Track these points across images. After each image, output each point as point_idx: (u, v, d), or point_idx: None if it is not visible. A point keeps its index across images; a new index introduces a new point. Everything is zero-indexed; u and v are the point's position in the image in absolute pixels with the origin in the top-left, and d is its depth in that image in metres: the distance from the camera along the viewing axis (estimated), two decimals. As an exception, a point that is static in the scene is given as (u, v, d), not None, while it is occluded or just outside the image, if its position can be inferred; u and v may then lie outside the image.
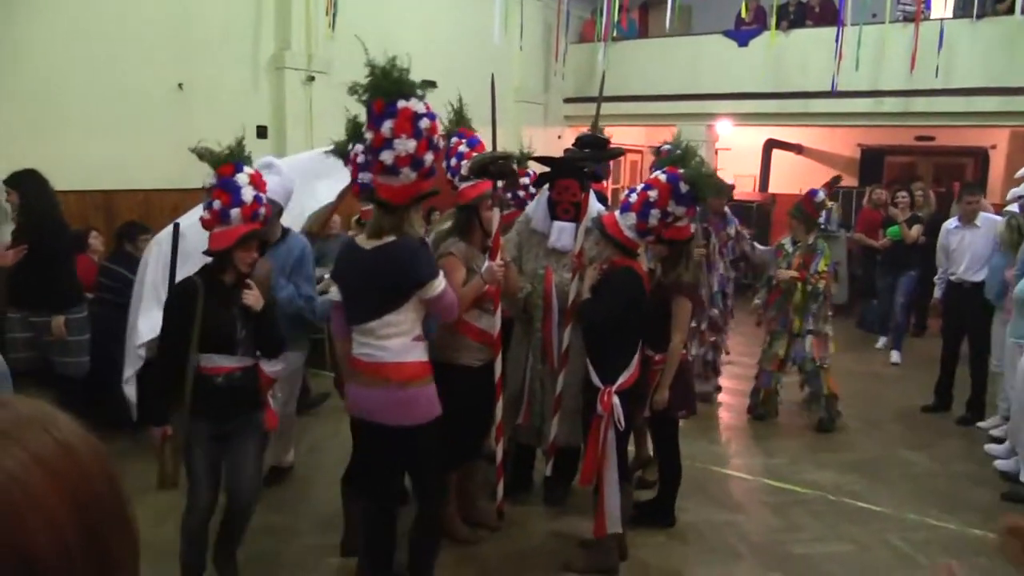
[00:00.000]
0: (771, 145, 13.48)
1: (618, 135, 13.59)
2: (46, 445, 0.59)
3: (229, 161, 3.24)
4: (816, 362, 5.94)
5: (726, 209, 6.52)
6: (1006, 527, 1.74)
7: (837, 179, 7.67)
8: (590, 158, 4.16)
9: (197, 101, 7.43)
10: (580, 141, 4.35)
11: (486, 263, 3.61)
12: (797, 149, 13.94)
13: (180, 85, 7.25)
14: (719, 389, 6.80)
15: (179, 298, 3.19)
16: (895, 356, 8.18)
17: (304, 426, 5.62)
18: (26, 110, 6.18)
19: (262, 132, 8.24)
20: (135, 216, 6.81)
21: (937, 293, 6.67)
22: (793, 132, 13.43)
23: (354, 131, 3.80)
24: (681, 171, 3.67)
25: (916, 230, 8.13)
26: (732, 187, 6.85)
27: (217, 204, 3.16)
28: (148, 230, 5.95)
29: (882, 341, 8.69)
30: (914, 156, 13.30)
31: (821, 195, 6.04)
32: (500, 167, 3.58)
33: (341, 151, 4.03)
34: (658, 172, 3.77)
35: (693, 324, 5.84)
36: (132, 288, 5.05)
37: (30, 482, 0.56)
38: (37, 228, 4.78)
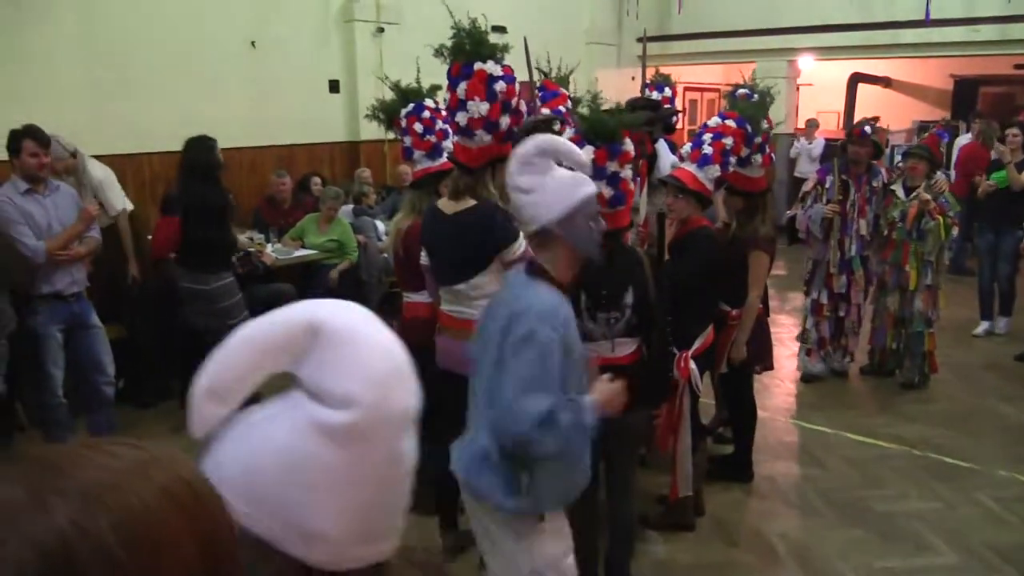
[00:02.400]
0: (856, 79, 12.88)
1: (696, 74, 13.29)
2: (176, 481, 0.61)
3: None
4: (925, 323, 5.51)
5: (873, 161, 5.55)
6: None
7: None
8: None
9: (269, 58, 7.50)
10: (632, 104, 4.22)
11: None
12: (885, 82, 13.31)
13: (253, 43, 7.31)
14: (841, 372, 5.95)
15: None
16: (1002, 325, 6.97)
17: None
18: (105, 73, 6.34)
19: (334, 86, 8.29)
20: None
21: None
22: (879, 65, 12.80)
23: (402, 97, 3.78)
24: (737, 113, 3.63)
25: None
26: (864, 132, 5.46)
27: None
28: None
29: (983, 327, 6.95)
30: (1013, 86, 12.54)
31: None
32: (544, 131, 3.54)
33: (389, 114, 3.98)
34: (718, 119, 3.70)
35: (814, 296, 5.70)
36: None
37: (163, 514, 0.58)
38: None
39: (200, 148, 4.88)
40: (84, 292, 4.45)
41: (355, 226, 6.97)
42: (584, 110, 3.09)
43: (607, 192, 2.87)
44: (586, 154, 2.83)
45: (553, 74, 4.55)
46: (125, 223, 5.46)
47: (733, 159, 3.60)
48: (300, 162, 7.81)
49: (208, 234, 4.82)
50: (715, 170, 3.58)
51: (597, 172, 2.87)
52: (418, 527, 3.85)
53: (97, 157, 6.00)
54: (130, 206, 5.68)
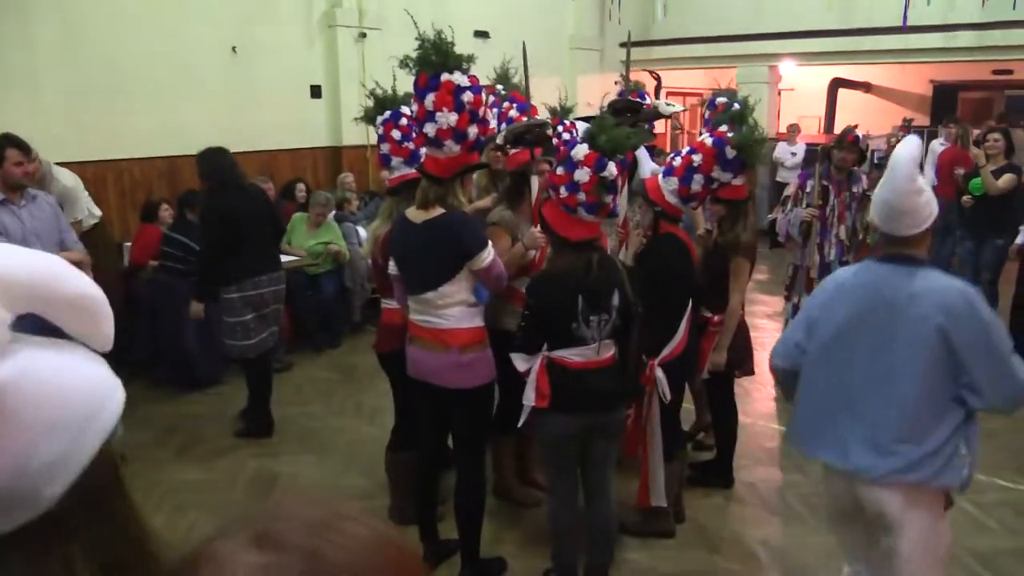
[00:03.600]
0: (837, 84, 13.01)
1: (678, 78, 13.34)
2: (368, 533, 0.64)
3: None
4: None
5: (855, 168, 5.51)
6: None
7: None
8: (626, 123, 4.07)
9: (252, 63, 7.48)
10: (613, 107, 4.23)
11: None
12: (865, 87, 13.43)
13: (234, 48, 7.29)
14: None
15: None
16: None
17: (349, 393, 5.74)
18: (87, 79, 6.30)
19: (316, 92, 8.27)
20: (198, 181, 6.95)
21: (1021, 240, 6.04)
22: (860, 70, 12.91)
23: (379, 105, 3.78)
24: (729, 135, 3.52)
25: (1007, 180, 6.42)
26: (857, 139, 5.43)
27: None
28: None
29: None
30: (991, 91, 12.67)
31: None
32: (536, 135, 3.54)
33: (369, 119, 3.99)
34: (704, 135, 3.67)
35: (794, 300, 5.71)
36: (194, 255, 5.20)
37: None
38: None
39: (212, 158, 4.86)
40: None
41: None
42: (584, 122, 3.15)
43: (612, 205, 3.00)
44: (611, 171, 2.92)
45: (516, 79, 4.52)
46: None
47: (699, 177, 3.52)
48: (283, 167, 7.79)
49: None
50: (674, 182, 3.55)
51: (611, 186, 2.94)
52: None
53: (77, 164, 5.97)
54: (97, 215, 5.59)
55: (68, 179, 5.32)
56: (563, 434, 3.09)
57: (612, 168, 2.91)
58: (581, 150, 2.94)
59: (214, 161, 4.83)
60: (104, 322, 0.84)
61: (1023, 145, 7.61)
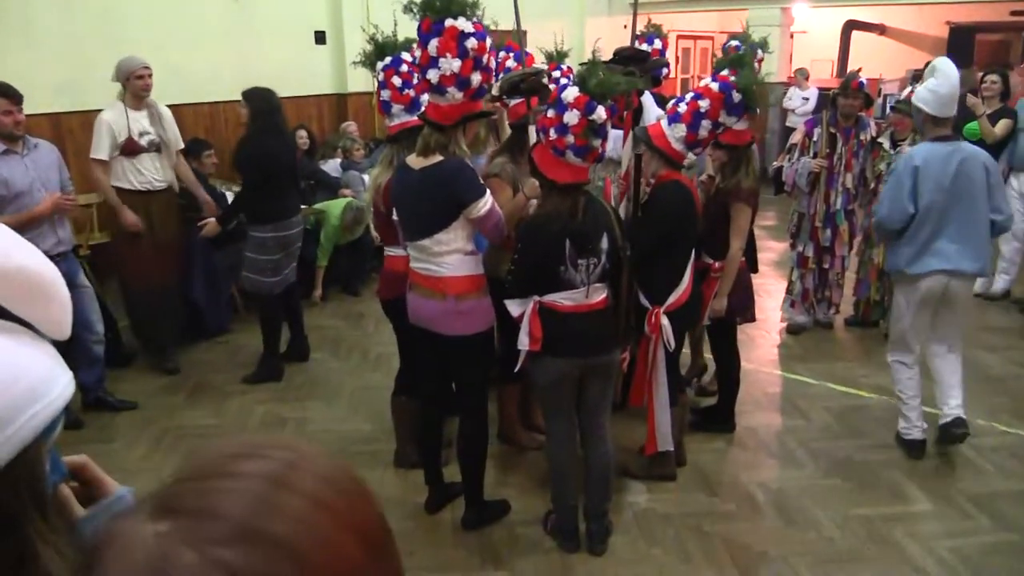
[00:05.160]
0: (851, 27, 12.75)
1: (689, 21, 13.11)
2: (320, 484, 0.59)
3: None
4: None
5: (861, 113, 5.50)
6: None
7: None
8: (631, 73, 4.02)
9: (254, 9, 7.40)
10: (619, 55, 4.17)
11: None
12: (879, 30, 13.16)
13: (235, -4, 7.20)
14: (826, 323, 5.97)
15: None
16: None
17: (356, 340, 5.81)
18: (86, 28, 6.24)
19: (320, 38, 8.19)
20: (203, 129, 6.94)
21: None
22: (874, 11, 12.64)
23: (379, 50, 3.74)
24: (732, 79, 3.51)
25: (1004, 126, 6.26)
26: (862, 84, 5.42)
27: None
28: (211, 147, 6.08)
29: (981, 283, 6.36)
30: (1009, 33, 12.40)
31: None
32: (531, 84, 3.51)
33: (370, 63, 3.94)
34: (708, 80, 3.63)
35: (799, 248, 5.71)
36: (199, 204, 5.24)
37: (318, 526, 0.56)
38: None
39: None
40: (72, 251, 4.44)
41: (343, 181, 6.95)
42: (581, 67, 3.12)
43: (600, 149, 2.98)
44: (600, 115, 2.90)
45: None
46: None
47: (707, 123, 3.52)
48: (287, 115, 7.73)
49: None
50: (681, 129, 3.53)
51: (600, 130, 2.92)
52: (403, 480, 3.92)
53: (80, 112, 5.95)
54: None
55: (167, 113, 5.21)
56: (556, 377, 3.14)
57: (600, 112, 2.91)
58: (571, 92, 2.94)
59: (269, 101, 4.91)
60: (55, 307, 0.77)
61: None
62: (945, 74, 3.83)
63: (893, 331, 4.29)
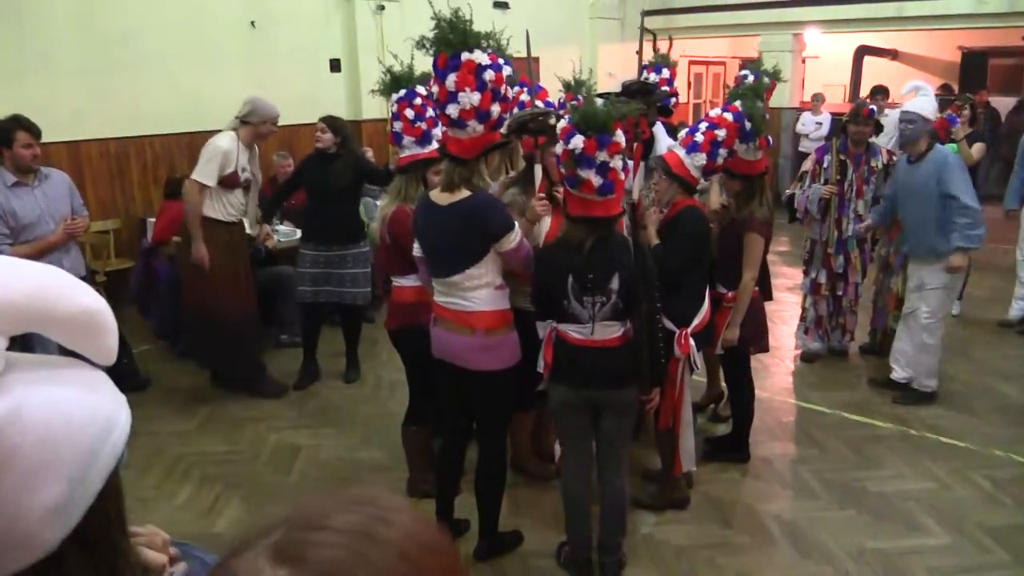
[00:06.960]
0: (863, 52, 12.77)
1: (701, 47, 13.16)
2: (407, 540, 0.60)
3: None
4: None
5: (872, 139, 5.52)
6: None
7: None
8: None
9: (270, 37, 7.50)
10: (626, 89, 4.20)
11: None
12: (892, 55, 13.18)
13: (252, 23, 7.29)
14: (840, 351, 5.94)
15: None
16: (956, 308, 6.50)
17: (369, 367, 5.81)
18: (105, 56, 6.35)
19: (335, 65, 8.28)
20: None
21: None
22: (887, 37, 12.66)
23: (395, 81, 3.77)
24: (739, 107, 3.67)
25: (979, 149, 6.58)
26: (872, 112, 5.45)
27: None
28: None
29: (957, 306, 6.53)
30: (1022, 58, 12.39)
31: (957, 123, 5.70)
32: (539, 124, 3.51)
33: (387, 92, 3.97)
34: (719, 110, 3.72)
35: (812, 275, 5.70)
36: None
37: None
38: (354, 168, 5.20)
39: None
40: (87, 277, 4.48)
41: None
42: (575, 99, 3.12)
43: (596, 181, 2.89)
44: (576, 144, 2.85)
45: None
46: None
47: (723, 151, 3.66)
48: (302, 142, 7.80)
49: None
50: (701, 158, 3.63)
51: (586, 161, 2.88)
52: (415, 509, 3.90)
53: (98, 140, 6.04)
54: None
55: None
56: (562, 405, 3.17)
57: (578, 141, 2.85)
58: (560, 124, 2.98)
59: (348, 128, 5.26)
60: (108, 336, 0.78)
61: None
62: (926, 89, 4.69)
63: None
